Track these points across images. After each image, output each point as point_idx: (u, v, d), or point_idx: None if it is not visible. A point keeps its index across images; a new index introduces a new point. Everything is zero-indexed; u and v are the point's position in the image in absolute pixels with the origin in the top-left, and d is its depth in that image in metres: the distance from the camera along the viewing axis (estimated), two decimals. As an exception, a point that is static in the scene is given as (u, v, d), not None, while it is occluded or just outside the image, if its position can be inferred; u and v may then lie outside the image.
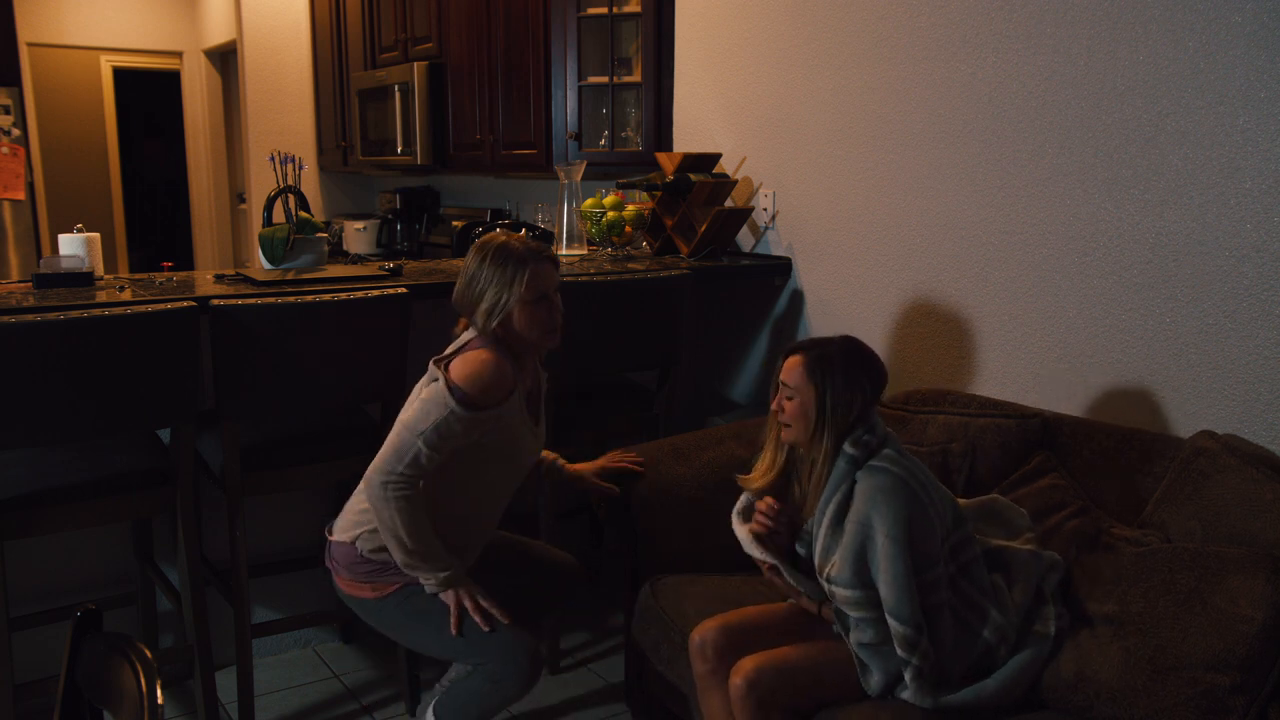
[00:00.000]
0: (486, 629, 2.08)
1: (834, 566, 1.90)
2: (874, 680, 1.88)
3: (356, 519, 2.17)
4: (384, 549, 2.11)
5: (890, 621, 1.84)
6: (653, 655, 2.29)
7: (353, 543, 2.15)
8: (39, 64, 7.27)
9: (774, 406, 2.01)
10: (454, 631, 2.09)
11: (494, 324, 2.09)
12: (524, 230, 3.41)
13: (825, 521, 1.93)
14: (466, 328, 2.18)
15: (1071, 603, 2.00)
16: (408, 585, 2.13)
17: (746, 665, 1.89)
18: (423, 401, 2.05)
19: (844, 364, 1.95)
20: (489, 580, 2.20)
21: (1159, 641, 1.80)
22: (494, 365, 2.06)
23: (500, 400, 2.07)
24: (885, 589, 1.84)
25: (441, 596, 2.11)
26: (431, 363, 2.12)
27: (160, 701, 1.11)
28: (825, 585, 1.93)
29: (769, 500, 2.06)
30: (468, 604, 2.09)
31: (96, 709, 1.29)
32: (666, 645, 2.22)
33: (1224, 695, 1.71)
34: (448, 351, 2.14)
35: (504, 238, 2.14)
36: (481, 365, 2.05)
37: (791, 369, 1.97)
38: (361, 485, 2.12)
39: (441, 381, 2.04)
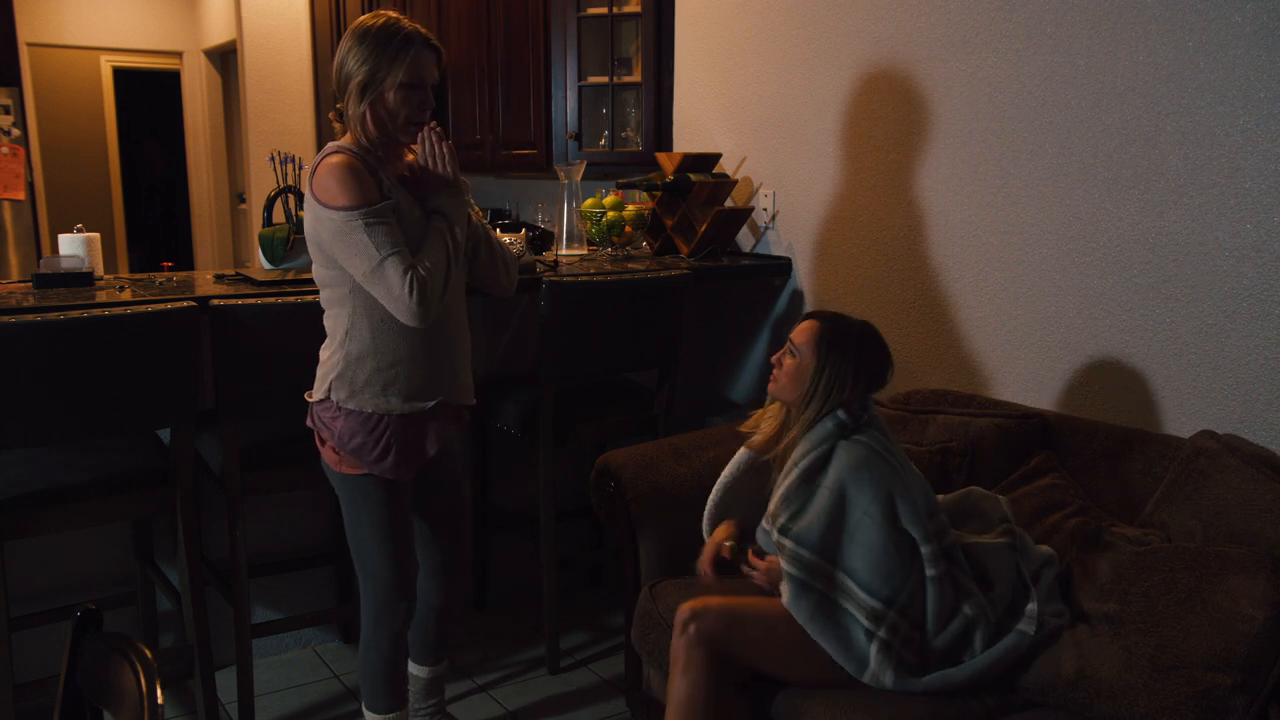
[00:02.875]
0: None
1: (800, 523, 1.91)
2: (855, 669, 1.86)
3: (324, 371, 2.14)
4: (357, 394, 2.07)
5: (859, 594, 1.85)
6: (652, 659, 2.29)
7: (327, 395, 2.12)
8: (39, 64, 7.26)
9: (774, 358, 2.05)
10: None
11: (363, 107, 2.00)
12: (524, 230, 3.39)
13: (795, 473, 1.95)
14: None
15: (1071, 602, 2.00)
16: (365, 476, 2.13)
17: (695, 605, 1.91)
18: (342, 246, 1.96)
19: (855, 348, 1.98)
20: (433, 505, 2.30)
21: (1159, 640, 1.80)
22: (341, 165, 1.96)
23: (375, 185, 1.99)
24: (859, 561, 1.86)
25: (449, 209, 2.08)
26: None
27: (160, 701, 1.11)
28: (775, 534, 1.93)
29: (728, 546, 2.10)
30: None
31: (96, 709, 1.29)
32: (665, 650, 2.22)
33: (1224, 695, 1.71)
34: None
35: (391, 15, 2.04)
36: (333, 170, 1.96)
37: (803, 331, 2.01)
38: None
39: (325, 212, 1.96)
